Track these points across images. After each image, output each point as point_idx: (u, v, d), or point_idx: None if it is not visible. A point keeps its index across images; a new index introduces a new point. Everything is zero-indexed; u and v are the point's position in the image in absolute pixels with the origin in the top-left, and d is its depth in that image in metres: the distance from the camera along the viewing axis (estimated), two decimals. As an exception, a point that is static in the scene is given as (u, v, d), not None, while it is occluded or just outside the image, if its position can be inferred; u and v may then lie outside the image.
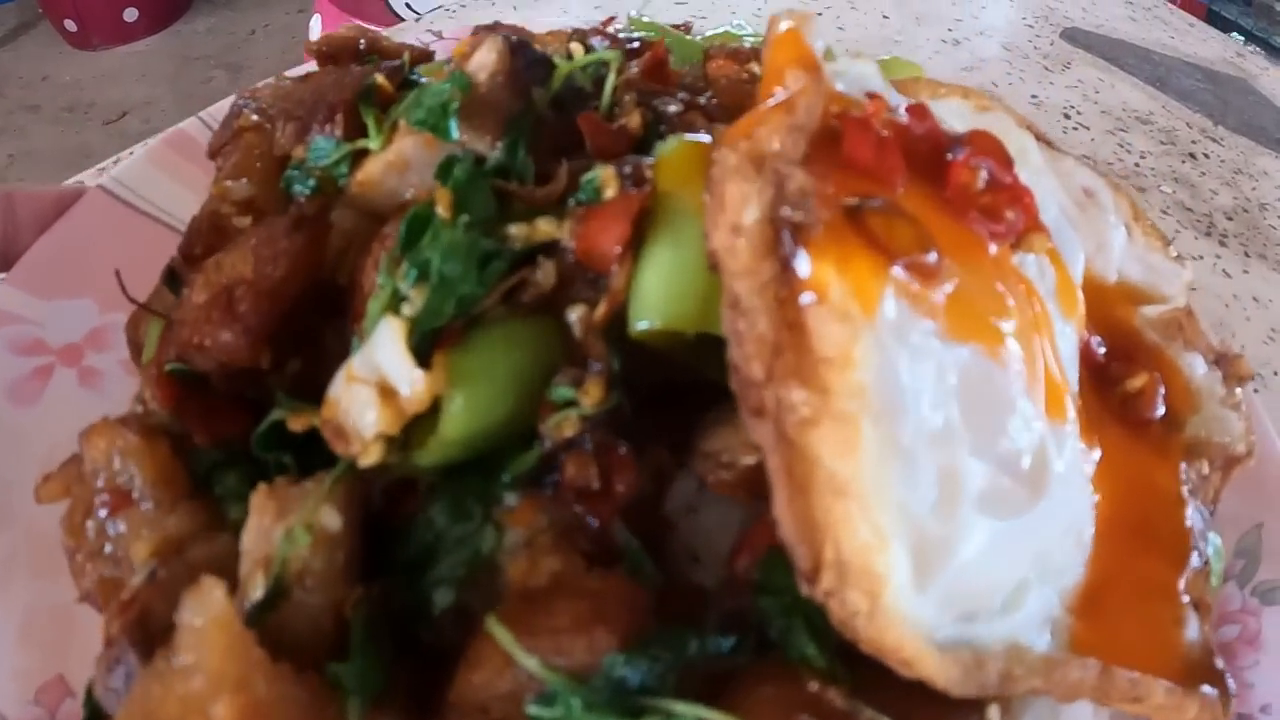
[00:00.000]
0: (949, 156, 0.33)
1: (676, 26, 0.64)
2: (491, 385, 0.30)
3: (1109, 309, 0.44)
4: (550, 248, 0.32)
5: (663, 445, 0.33)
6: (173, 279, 0.43)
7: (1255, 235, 0.82)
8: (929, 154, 0.34)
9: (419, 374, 0.29)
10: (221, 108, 0.57)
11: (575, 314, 0.31)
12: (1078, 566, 0.37)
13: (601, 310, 0.30)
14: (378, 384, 0.29)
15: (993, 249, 0.35)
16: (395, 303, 0.31)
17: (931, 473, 0.28)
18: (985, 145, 0.36)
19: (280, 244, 0.36)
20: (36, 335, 0.47)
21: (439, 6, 2.21)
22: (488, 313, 0.31)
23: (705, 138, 0.33)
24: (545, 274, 0.31)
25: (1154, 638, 0.37)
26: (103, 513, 0.34)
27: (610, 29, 0.58)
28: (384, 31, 0.56)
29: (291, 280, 0.35)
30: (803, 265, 0.27)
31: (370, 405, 0.29)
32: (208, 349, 0.34)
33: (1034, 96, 0.93)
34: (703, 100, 0.41)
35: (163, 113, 2.91)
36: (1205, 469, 0.42)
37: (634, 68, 0.42)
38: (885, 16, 1.05)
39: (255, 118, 0.48)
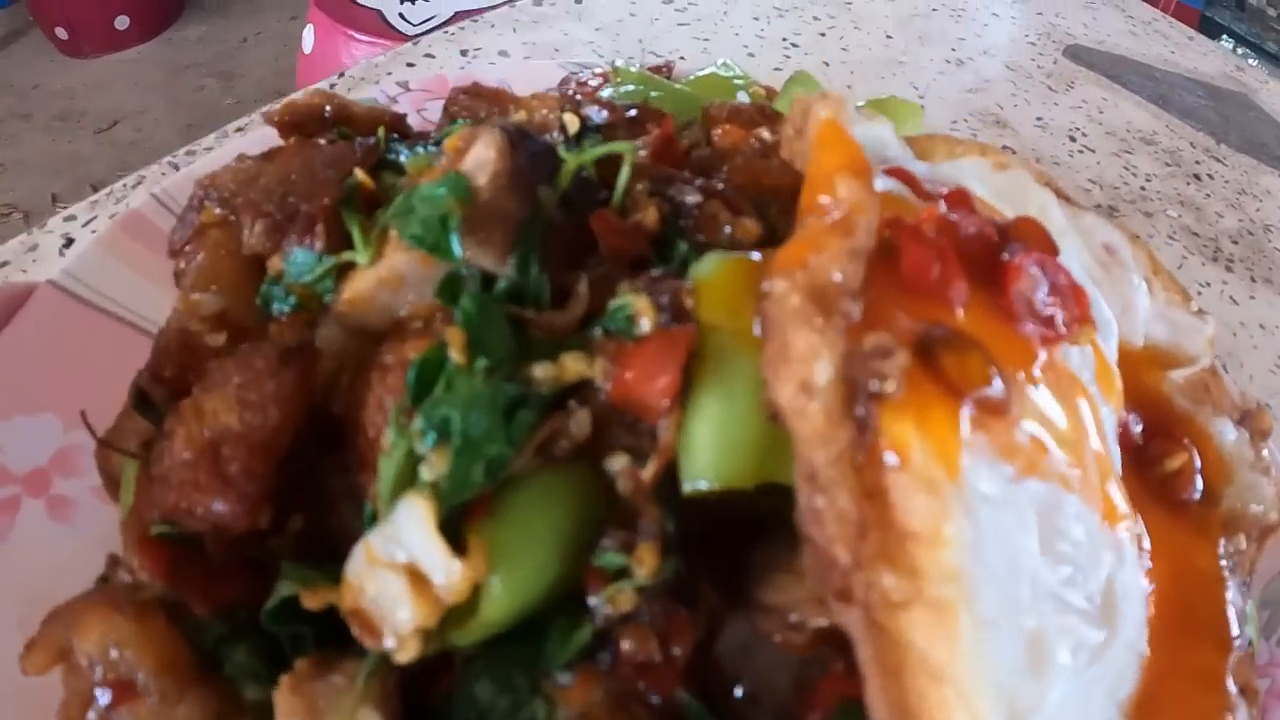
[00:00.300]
0: (1004, 257, 0.32)
1: (657, 70, 0.61)
2: (533, 558, 0.28)
3: (1138, 376, 0.44)
4: (581, 388, 0.30)
5: (710, 584, 0.32)
6: (143, 401, 0.39)
7: (1260, 259, 0.83)
8: (980, 254, 0.32)
9: (456, 563, 0.26)
10: (179, 186, 0.53)
11: (616, 465, 0.29)
12: (1135, 672, 0.37)
13: (651, 470, 0.28)
14: (406, 569, 0.27)
15: (1042, 353, 0.34)
16: (411, 464, 0.29)
17: (1021, 641, 0.27)
18: (1032, 234, 0.35)
19: (267, 386, 0.32)
20: None
21: (432, 18, 2.16)
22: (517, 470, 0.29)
23: (748, 255, 0.31)
24: (579, 424, 0.29)
25: (1212, 733, 0.37)
26: (104, 700, 0.30)
27: (598, 81, 0.55)
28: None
29: (284, 428, 0.32)
30: (881, 426, 0.25)
31: (402, 598, 0.26)
32: (199, 516, 0.31)
33: (1039, 119, 0.93)
34: (718, 183, 0.39)
35: (155, 121, 2.93)
36: (1242, 544, 0.42)
37: (640, 146, 0.40)
38: (889, 36, 1.03)
39: (219, 211, 0.43)
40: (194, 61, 3.19)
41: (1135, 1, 1.30)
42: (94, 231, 0.64)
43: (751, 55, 0.95)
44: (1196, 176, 0.92)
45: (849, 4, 1.09)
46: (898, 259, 0.29)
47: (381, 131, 0.45)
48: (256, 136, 0.57)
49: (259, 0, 3.52)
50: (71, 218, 0.66)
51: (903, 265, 0.29)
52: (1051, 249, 0.35)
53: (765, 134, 0.44)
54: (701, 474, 0.27)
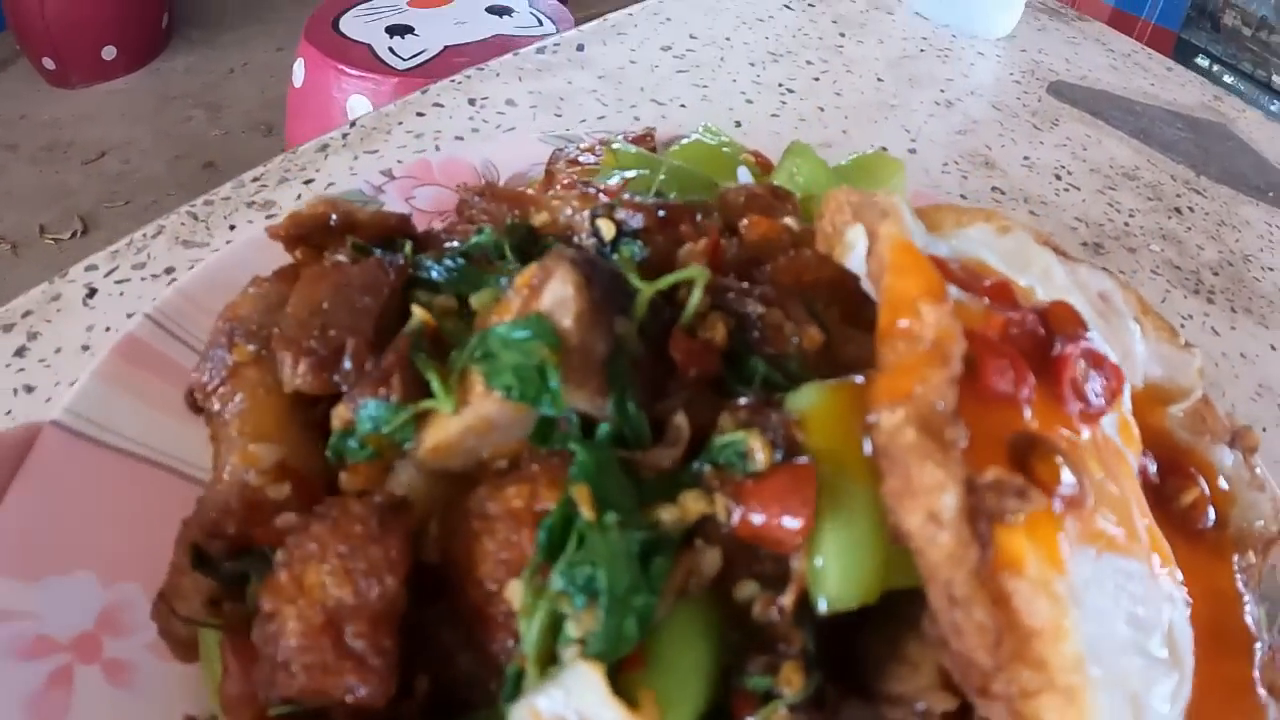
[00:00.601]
0: (1055, 350, 0.37)
1: (640, 139, 0.65)
2: (689, 696, 0.31)
3: (1144, 417, 0.50)
4: (704, 525, 0.33)
5: (829, 678, 0.35)
6: (201, 559, 0.40)
7: (1240, 289, 0.91)
8: (1033, 349, 0.38)
9: (633, 719, 0.29)
10: (174, 305, 0.54)
11: (747, 592, 0.33)
12: (1188, 692, 0.43)
13: (790, 599, 0.32)
14: None
15: (1086, 430, 0.39)
16: (555, 623, 0.31)
17: (1127, 703, 0.32)
18: (1068, 320, 0.41)
19: (374, 552, 0.34)
20: (37, 631, 0.42)
21: (421, 52, 2.18)
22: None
23: (845, 381, 0.35)
24: (711, 562, 0.32)
25: (1252, 735, 0.44)
26: None
27: (587, 155, 0.58)
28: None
29: (401, 592, 0.34)
30: (998, 542, 0.30)
31: (580, 760, 0.29)
32: (332, 696, 0.32)
33: (1026, 158, 1.00)
34: (767, 285, 0.42)
35: (142, 153, 3.05)
36: (1251, 558, 0.50)
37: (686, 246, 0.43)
38: (880, 80, 1.09)
39: (251, 348, 0.44)
40: (181, 92, 3.33)
41: (1115, 35, 1.41)
42: (118, 282, 0.68)
43: (750, 101, 1.00)
44: (1178, 210, 1.01)
45: (840, 48, 1.16)
46: (976, 371, 0.34)
47: (409, 247, 0.47)
48: (253, 237, 0.58)
49: (245, 32, 3.58)
50: (93, 267, 0.69)
51: (983, 378, 0.34)
52: (1084, 328, 0.40)
53: (791, 223, 0.48)
54: (837, 598, 0.32)
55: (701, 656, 0.32)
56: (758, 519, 0.32)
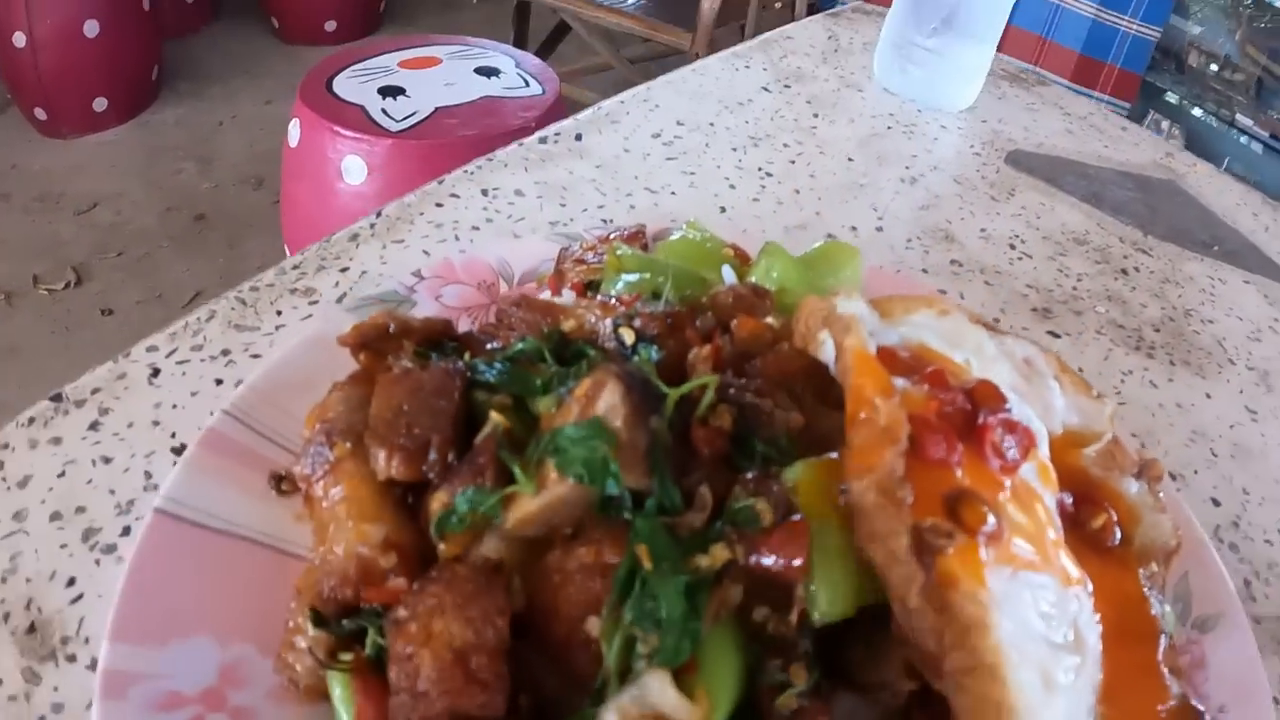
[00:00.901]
0: (980, 420, 0.54)
1: (633, 236, 0.82)
2: (728, 690, 0.47)
3: (1063, 459, 0.68)
4: (728, 567, 0.49)
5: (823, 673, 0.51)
6: (320, 619, 0.55)
7: (1180, 343, 1.05)
8: (962, 422, 0.55)
9: (694, 707, 0.45)
10: (245, 399, 0.69)
11: (761, 615, 0.49)
12: (1099, 675, 0.60)
13: (794, 617, 0.48)
14: (655, 717, 0.45)
15: (1008, 480, 0.56)
16: (628, 645, 0.47)
17: (1038, 675, 0.49)
18: (989, 395, 0.58)
19: (484, 603, 0.50)
20: (169, 688, 0.56)
21: (413, 114, 2.37)
22: (701, 633, 0.48)
23: (825, 458, 0.52)
24: (735, 594, 0.48)
25: (1154, 703, 0.61)
26: None
27: (591, 254, 0.75)
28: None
29: (507, 631, 0.50)
30: (939, 567, 0.46)
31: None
32: (468, 713, 0.47)
33: (983, 230, 1.16)
34: (756, 378, 0.59)
35: (134, 204, 3.34)
36: (1154, 567, 0.67)
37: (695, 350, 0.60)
38: (850, 159, 1.25)
39: (349, 445, 0.60)
40: (171, 144, 3.71)
41: (1072, 96, 1.57)
42: (179, 362, 0.82)
43: (733, 187, 1.17)
44: (1124, 271, 1.16)
45: (814, 129, 1.32)
46: (918, 445, 0.51)
47: (468, 358, 0.63)
48: (306, 337, 0.74)
49: (233, 84, 3.74)
50: (154, 348, 0.83)
51: (922, 450, 0.51)
52: (1003, 401, 0.57)
53: (772, 321, 0.65)
54: (827, 613, 0.48)
55: (734, 662, 0.48)
56: (767, 561, 0.48)
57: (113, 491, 0.72)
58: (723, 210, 1.09)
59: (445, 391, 0.61)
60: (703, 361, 0.59)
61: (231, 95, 3.90)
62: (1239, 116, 2.42)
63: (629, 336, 0.61)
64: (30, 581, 0.66)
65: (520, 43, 4.17)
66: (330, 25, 4.86)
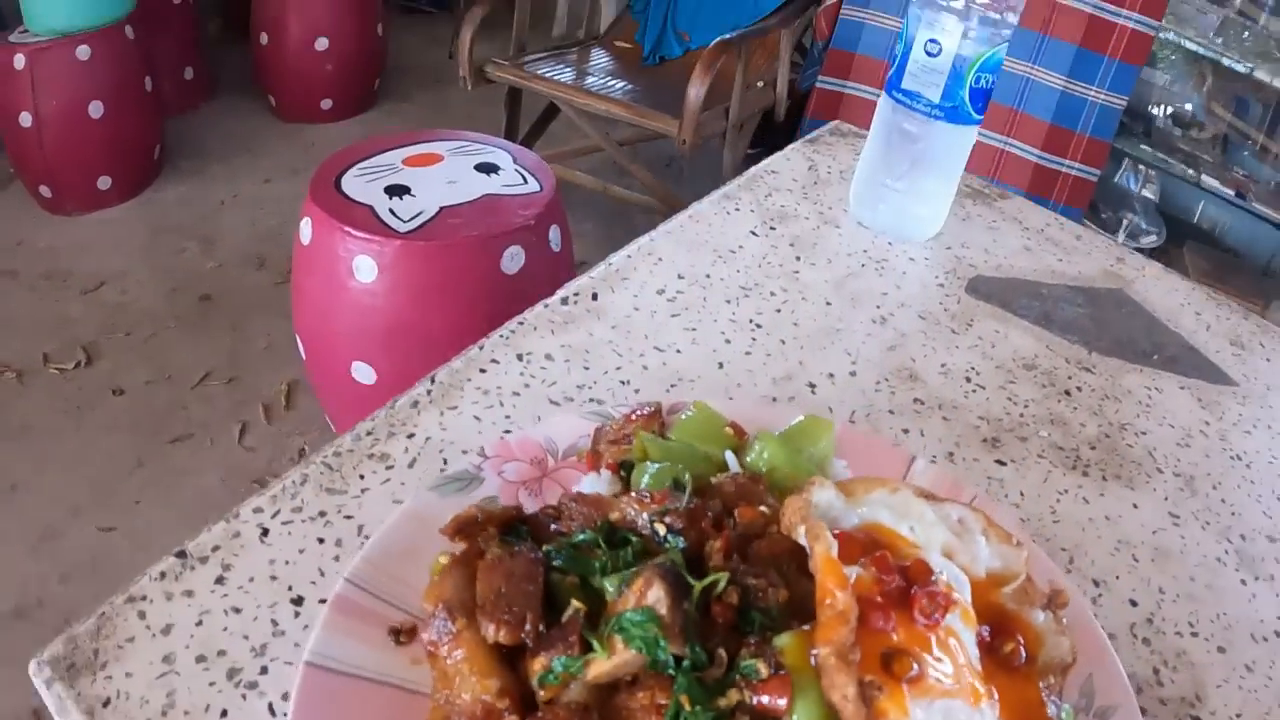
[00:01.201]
0: (912, 592, 0.85)
1: (651, 418, 1.13)
2: (744, 791, 0.78)
3: (984, 597, 0.99)
4: (739, 706, 0.80)
5: None
6: None
7: (1114, 458, 1.18)
8: (899, 595, 0.85)
9: (720, 807, 0.75)
10: (362, 570, 0.98)
11: (762, 738, 0.80)
12: (1004, 765, 0.91)
13: (785, 742, 0.79)
14: None
15: (933, 635, 0.88)
16: None
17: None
18: (921, 572, 0.89)
19: (584, 735, 0.81)
20: None
21: (420, 213, 2.72)
22: (722, 751, 0.79)
23: (802, 630, 0.83)
24: None
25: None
26: None
27: (621, 426, 1.07)
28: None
29: (599, 754, 0.81)
30: (875, 705, 0.77)
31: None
32: None
33: (943, 365, 1.30)
34: (752, 560, 0.91)
35: (139, 284, 3.67)
36: (1053, 680, 0.99)
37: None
38: (828, 303, 1.48)
39: (464, 620, 0.91)
40: (175, 223, 3.98)
41: (1031, 208, 1.71)
42: (284, 523, 1.07)
43: (728, 341, 1.41)
44: (1067, 392, 1.27)
45: (797, 274, 1.55)
46: (864, 618, 0.82)
47: (545, 549, 0.94)
48: (405, 510, 1.04)
49: (234, 163, 4.09)
50: (259, 510, 1.07)
51: (867, 622, 0.82)
52: (930, 574, 0.89)
53: (765, 509, 0.97)
54: (805, 738, 0.79)
55: (745, 771, 0.80)
56: (765, 700, 0.79)
57: (246, 637, 0.98)
58: (720, 366, 1.37)
59: (532, 577, 0.92)
60: (717, 553, 0.90)
61: (232, 174, 4.23)
62: (1205, 177, 2.76)
63: (661, 529, 0.93)
64: (188, 714, 0.91)
65: (512, 125, 4.56)
66: (326, 104, 5.21)
